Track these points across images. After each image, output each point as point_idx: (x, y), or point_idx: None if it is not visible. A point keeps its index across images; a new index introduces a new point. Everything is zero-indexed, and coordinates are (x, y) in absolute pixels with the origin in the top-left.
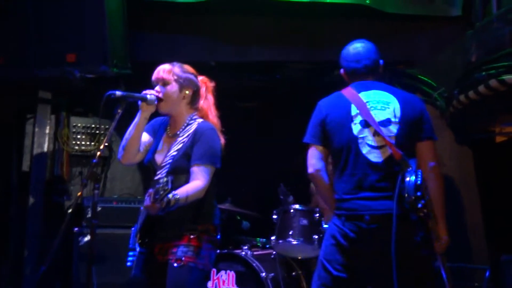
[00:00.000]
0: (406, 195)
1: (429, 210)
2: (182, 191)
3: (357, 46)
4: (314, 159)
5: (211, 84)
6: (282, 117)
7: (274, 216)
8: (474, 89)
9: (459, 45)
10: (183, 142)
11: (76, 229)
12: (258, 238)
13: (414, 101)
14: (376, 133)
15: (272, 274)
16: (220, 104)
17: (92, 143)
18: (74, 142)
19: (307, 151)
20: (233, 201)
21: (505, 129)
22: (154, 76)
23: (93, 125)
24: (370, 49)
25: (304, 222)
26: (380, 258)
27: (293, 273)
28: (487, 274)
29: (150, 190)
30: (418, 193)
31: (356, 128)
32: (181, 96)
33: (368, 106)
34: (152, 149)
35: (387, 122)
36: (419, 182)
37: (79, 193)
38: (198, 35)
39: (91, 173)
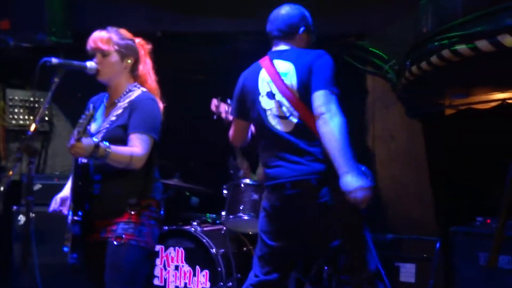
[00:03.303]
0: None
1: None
2: (117, 148)
3: (280, 9)
4: (232, 132)
5: (148, 46)
6: (232, 91)
7: (225, 191)
8: (427, 60)
9: (411, 17)
10: (123, 107)
11: (14, 207)
12: (208, 214)
13: (306, 57)
14: (282, 103)
15: (222, 250)
16: (167, 77)
17: (31, 117)
18: (11, 116)
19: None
20: (181, 176)
21: (455, 102)
22: (91, 45)
23: (31, 98)
24: (291, 13)
25: (255, 196)
26: (300, 222)
27: (244, 249)
28: (438, 245)
29: (75, 132)
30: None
31: (263, 100)
32: (123, 66)
33: (279, 76)
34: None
35: (287, 91)
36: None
37: (10, 172)
38: (142, 4)
39: (26, 146)
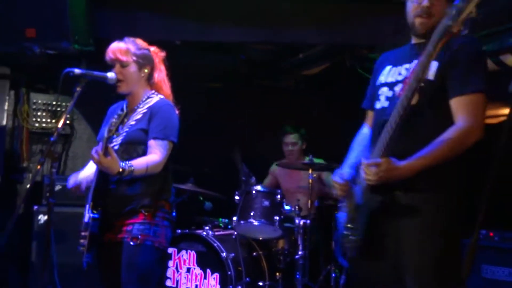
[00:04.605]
0: None
1: None
2: (138, 163)
3: None
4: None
5: (162, 54)
6: (246, 98)
7: (236, 197)
8: None
9: None
10: (143, 113)
11: (35, 207)
12: (220, 219)
13: None
14: None
15: (233, 254)
16: (183, 84)
17: (53, 121)
18: (34, 119)
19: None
20: (195, 181)
21: None
22: (110, 56)
23: (54, 102)
24: None
25: (266, 203)
26: None
27: (254, 254)
28: None
29: (98, 148)
30: None
31: None
32: (141, 75)
33: None
34: (104, 125)
35: None
36: None
37: (34, 171)
38: (161, 13)
39: (49, 151)
